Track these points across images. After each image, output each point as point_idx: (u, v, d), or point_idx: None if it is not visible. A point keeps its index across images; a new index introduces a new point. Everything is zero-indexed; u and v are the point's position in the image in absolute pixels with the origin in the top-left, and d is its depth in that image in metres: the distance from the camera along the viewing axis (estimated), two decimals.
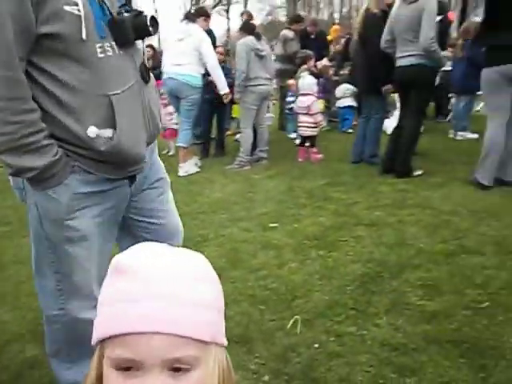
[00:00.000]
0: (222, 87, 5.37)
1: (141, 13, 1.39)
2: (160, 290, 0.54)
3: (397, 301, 2.41)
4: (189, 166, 5.50)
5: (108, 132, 1.33)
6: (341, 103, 7.88)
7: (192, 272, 0.58)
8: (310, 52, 6.32)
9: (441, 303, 2.37)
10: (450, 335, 2.08)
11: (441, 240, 3.12)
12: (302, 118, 5.87)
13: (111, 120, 1.32)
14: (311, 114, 5.76)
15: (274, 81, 7.14)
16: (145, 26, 1.37)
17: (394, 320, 2.24)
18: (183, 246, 3.50)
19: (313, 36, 8.08)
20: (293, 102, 6.67)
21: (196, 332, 0.55)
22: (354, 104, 7.53)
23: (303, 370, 1.92)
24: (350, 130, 7.62)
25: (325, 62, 8.09)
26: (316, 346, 2.07)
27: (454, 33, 9.68)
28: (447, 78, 7.07)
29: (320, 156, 5.80)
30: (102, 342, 0.56)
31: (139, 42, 1.45)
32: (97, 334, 0.57)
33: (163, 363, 0.53)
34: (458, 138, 6.80)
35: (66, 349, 1.60)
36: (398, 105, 5.91)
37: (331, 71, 8.32)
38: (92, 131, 1.31)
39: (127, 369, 0.53)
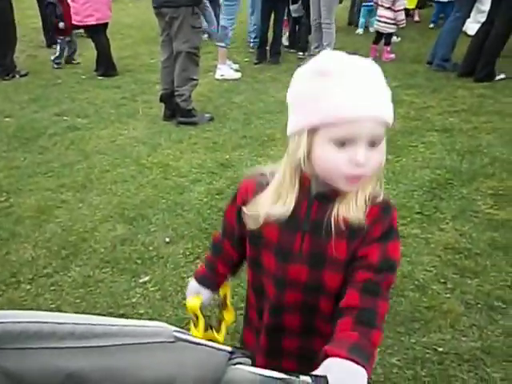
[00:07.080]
0: None
1: None
2: (367, 86, 0.73)
3: (465, 208, 2.41)
4: (227, 69, 5.04)
5: None
6: None
7: (380, 76, 0.76)
8: None
9: (511, 212, 2.35)
10: None
11: None
12: (382, 12, 5.40)
13: None
14: (395, 10, 5.27)
15: None
16: None
17: (460, 226, 2.27)
18: (248, 144, 3.55)
19: None
20: None
21: (388, 118, 0.74)
22: None
23: None
24: (431, 25, 6.99)
25: None
26: None
27: None
28: None
29: (392, 56, 5.43)
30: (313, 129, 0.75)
31: None
32: (309, 123, 0.75)
33: (367, 139, 0.73)
34: None
35: None
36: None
37: None
38: None
39: (342, 144, 0.73)
